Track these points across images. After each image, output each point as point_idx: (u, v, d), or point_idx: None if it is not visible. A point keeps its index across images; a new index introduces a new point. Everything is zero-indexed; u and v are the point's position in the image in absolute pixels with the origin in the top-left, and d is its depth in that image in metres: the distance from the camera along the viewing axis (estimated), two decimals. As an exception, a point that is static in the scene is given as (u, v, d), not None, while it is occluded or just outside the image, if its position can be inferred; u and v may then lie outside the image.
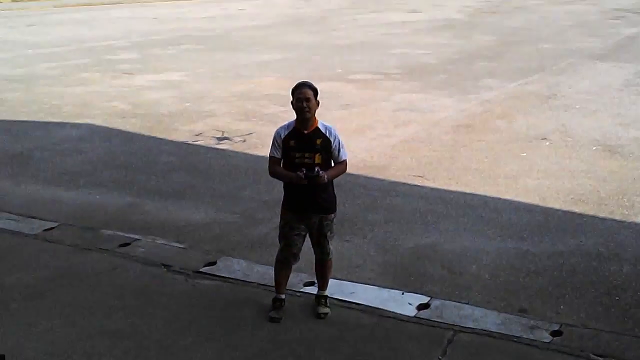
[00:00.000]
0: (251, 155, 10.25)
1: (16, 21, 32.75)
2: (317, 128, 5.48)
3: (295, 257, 5.69)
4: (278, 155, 5.52)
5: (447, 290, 6.12)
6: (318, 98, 5.52)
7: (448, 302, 5.90)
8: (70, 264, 6.66)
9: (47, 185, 9.07)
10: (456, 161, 10.01)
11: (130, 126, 12.08)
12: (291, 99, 5.50)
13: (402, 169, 9.67)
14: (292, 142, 5.46)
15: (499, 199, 8.45)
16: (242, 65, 18.98)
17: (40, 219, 7.86)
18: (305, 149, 5.42)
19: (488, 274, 6.43)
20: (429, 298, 5.94)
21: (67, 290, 6.11)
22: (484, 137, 11.27)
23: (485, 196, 8.56)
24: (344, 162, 5.61)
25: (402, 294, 6.03)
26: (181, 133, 11.58)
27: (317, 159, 5.41)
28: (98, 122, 12.40)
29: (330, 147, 5.48)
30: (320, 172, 5.32)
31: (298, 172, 5.31)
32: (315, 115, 5.53)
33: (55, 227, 7.62)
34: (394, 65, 18.85)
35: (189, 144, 10.98)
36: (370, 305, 5.82)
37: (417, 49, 22.04)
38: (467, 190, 8.77)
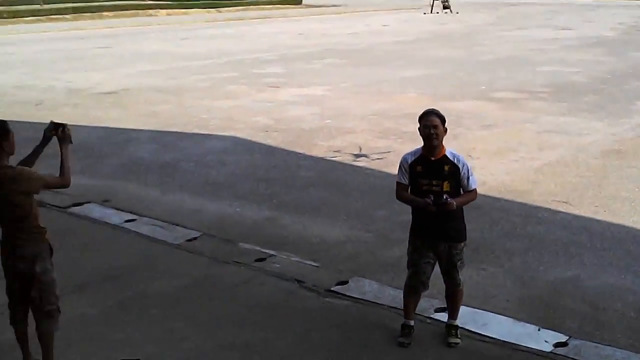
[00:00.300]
0: (388, 174, 10.19)
1: (170, 35, 34.40)
2: (445, 155, 5.38)
3: (424, 284, 5.60)
4: (405, 181, 5.47)
5: (587, 328, 5.82)
6: (446, 125, 5.41)
7: (588, 342, 5.60)
8: (208, 275, 6.88)
9: (191, 195, 9.43)
10: (604, 188, 9.56)
11: (272, 140, 12.36)
12: (418, 125, 5.41)
13: (545, 194, 9.34)
14: (419, 168, 5.39)
15: (649, 231, 8.00)
16: (384, 81, 19.03)
17: (184, 227, 8.17)
18: (432, 176, 5.35)
19: (634, 313, 6.07)
20: (567, 337, 5.66)
21: (203, 300, 6.31)
22: (635, 163, 10.71)
23: (634, 228, 8.11)
24: (474, 191, 5.48)
25: (539, 329, 5.79)
26: (320, 149, 11.73)
27: (446, 186, 5.32)
28: (241, 135, 12.77)
29: (459, 174, 5.37)
30: (449, 199, 5.21)
31: (426, 199, 5.23)
32: (443, 142, 5.41)
33: (198, 237, 7.89)
34: (540, 83, 18.31)
35: (327, 159, 11.11)
36: (503, 339, 5.64)
37: (566, 66, 21.33)
38: (615, 221, 8.35)
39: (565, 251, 7.48)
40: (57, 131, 4.93)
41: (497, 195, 9.26)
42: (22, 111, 15.28)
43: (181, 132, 13.05)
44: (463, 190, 5.44)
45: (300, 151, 11.66)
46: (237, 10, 57.74)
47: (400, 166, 5.52)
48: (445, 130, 5.42)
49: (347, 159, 11.07)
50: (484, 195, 9.13)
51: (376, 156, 11.19)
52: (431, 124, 5.30)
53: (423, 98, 16.33)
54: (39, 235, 4.88)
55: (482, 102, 15.80)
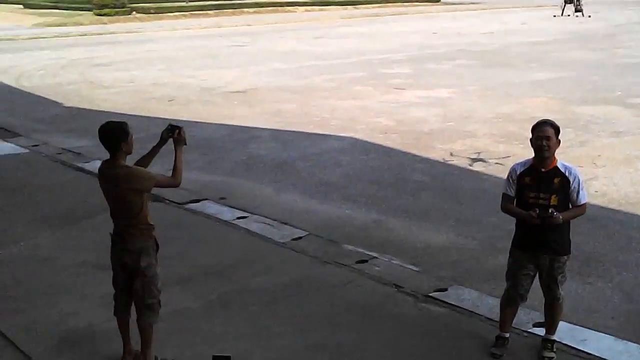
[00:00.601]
0: (504, 180, 10.00)
1: (305, 33, 35.04)
2: (556, 167, 5.23)
3: (522, 297, 5.48)
4: (511, 192, 5.36)
5: (694, 352, 5.51)
6: (559, 137, 5.25)
7: (692, 365, 5.31)
8: (309, 275, 7.01)
9: (303, 195, 9.62)
10: None
11: (390, 142, 12.38)
12: (531, 135, 5.28)
13: (670, 208, 8.87)
14: (527, 180, 5.27)
15: None
16: (514, 84, 18.57)
17: (292, 226, 8.36)
18: (540, 189, 5.21)
19: None
20: (671, 359, 5.39)
21: (301, 300, 6.44)
22: None
23: None
24: (583, 206, 5.28)
25: (641, 348, 5.54)
26: (437, 152, 11.63)
27: (553, 200, 5.17)
28: (360, 136, 12.86)
29: (569, 188, 5.20)
30: (555, 213, 5.07)
31: (531, 212, 5.11)
32: (555, 154, 5.27)
33: (303, 236, 8.05)
34: (683, 90, 17.29)
35: (442, 163, 11.01)
36: (601, 356, 5.42)
37: None
38: None
39: (687, 267, 7.09)
40: (173, 133, 5.17)
41: (617, 208, 8.88)
42: (156, 107, 16.09)
43: (302, 132, 13.31)
44: (572, 204, 5.26)
45: (417, 153, 11.62)
46: (374, 7, 58.07)
47: (508, 177, 5.43)
48: (559, 142, 5.28)
49: (463, 163, 10.92)
50: (602, 208, 8.88)
51: (494, 161, 10.97)
52: (544, 135, 5.18)
53: (552, 102, 15.85)
54: (147, 232, 5.13)
55: (616, 108, 15.12)
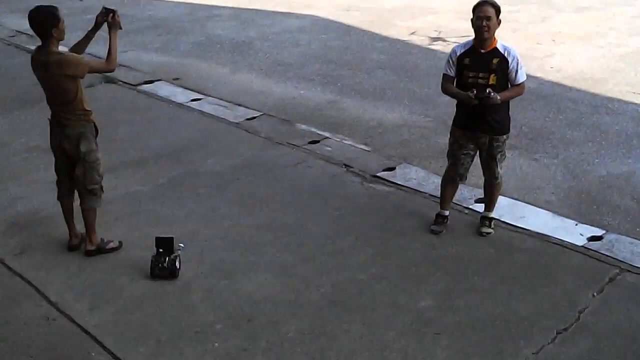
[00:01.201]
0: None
1: None
2: (495, 48, 5.19)
3: (462, 176, 5.57)
4: (451, 73, 5.34)
5: (627, 225, 5.69)
6: (500, 17, 5.18)
7: (624, 237, 5.49)
8: (261, 155, 7.05)
9: (259, 75, 9.54)
10: (689, 78, 9.05)
11: (351, 19, 12.19)
12: (471, 15, 5.21)
13: (621, 84, 8.93)
14: (466, 61, 5.24)
15: None
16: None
17: (246, 107, 8.33)
18: (480, 69, 5.19)
19: (683, 213, 5.88)
20: (603, 231, 5.57)
21: (250, 181, 6.50)
22: None
23: None
24: (521, 85, 5.29)
25: (576, 224, 5.70)
26: (398, 30, 11.50)
27: (492, 79, 5.16)
28: (322, 14, 12.64)
29: (508, 68, 5.18)
30: (492, 93, 5.08)
31: (469, 92, 5.12)
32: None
33: (257, 117, 8.05)
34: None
35: (402, 41, 10.91)
36: (538, 231, 5.58)
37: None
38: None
39: (627, 144, 7.23)
40: (107, 16, 5.01)
41: (570, 84, 8.92)
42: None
43: (262, 10, 13.04)
44: (511, 83, 5.27)
45: (377, 32, 11.48)
46: None
47: (448, 58, 5.38)
48: (499, 22, 5.20)
49: (423, 41, 10.82)
50: (556, 84, 8.93)
51: (454, 39, 10.84)
52: (484, 15, 5.10)
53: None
54: (84, 117, 5.06)
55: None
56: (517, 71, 5.22)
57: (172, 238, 5.00)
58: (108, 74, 7.06)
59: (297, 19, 12.38)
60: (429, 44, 10.69)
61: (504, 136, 5.40)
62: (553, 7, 12.69)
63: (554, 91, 8.68)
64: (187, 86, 9.12)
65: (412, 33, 11.22)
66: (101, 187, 5.23)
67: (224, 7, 13.29)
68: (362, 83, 9.14)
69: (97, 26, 5.09)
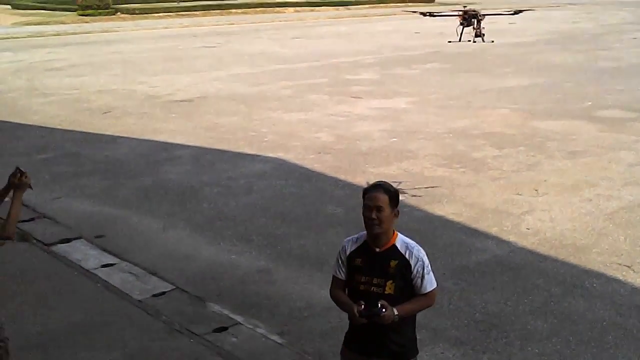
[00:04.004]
0: (423, 213, 8.85)
1: (283, 33, 33.86)
2: (394, 246, 4.00)
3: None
4: (341, 275, 4.13)
5: None
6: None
7: None
8: (148, 349, 5.84)
9: (193, 233, 8.44)
10: (685, 247, 7.73)
11: (319, 164, 11.17)
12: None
13: (606, 253, 7.63)
14: (358, 261, 4.03)
15: None
16: (480, 92, 17.35)
17: (160, 278, 7.19)
18: (374, 273, 3.98)
19: None
20: None
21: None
22: None
23: None
24: (429, 295, 4.04)
25: None
26: (366, 176, 10.39)
27: (389, 288, 3.94)
28: (290, 156, 11.66)
29: (410, 272, 3.97)
30: (385, 308, 3.84)
31: (356, 306, 3.89)
32: (394, 229, 4.04)
33: (167, 292, 6.89)
34: (658, 99, 16.00)
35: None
36: None
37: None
38: (683, 298, 6.58)
39: (601, 339, 5.87)
40: (15, 177, 4.47)
41: (547, 252, 7.65)
42: (86, 120, 14.93)
43: (227, 151, 12.11)
44: (416, 292, 4.03)
45: (343, 178, 10.41)
46: (366, 8, 56.73)
47: (337, 255, 4.17)
48: (397, 214, 4.02)
49: (386, 193, 9.66)
50: (529, 251, 7.69)
51: (420, 192, 9.69)
52: (374, 205, 3.93)
53: (513, 115, 14.64)
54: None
55: (580, 122, 13.85)
56: (422, 277, 3.99)
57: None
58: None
59: (260, 162, 11.40)
60: (392, 197, 9.52)
61: (409, 362, 4.13)
62: (544, 152, 11.58)
63: (526, 261, 7.42)
64: (107, 247, 8.03)
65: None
66: (7, 351, 4.60)
67: (188, 147, 12.41)
68: (306, 246, 7.97)
69: (9, 186, 4.51)
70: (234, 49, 27.88)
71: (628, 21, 37.15)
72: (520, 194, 9.50)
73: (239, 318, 6.34)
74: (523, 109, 15.18)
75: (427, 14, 35.72)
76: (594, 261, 7.43)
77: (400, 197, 9.15)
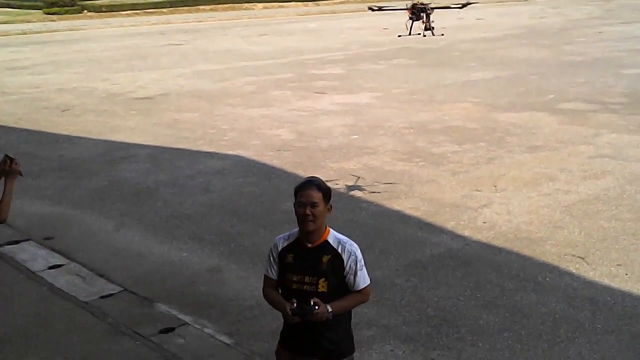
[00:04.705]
0: (380, 208, 8.77)
1: (251, 30, 33.65)
2: (326, 242, 3.90)
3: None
4: (273, 274, 4.02)
5: None
6: (331, 202, 3.93)
7: None
8: (93, 352, 5.68)
9: (145, 232, 8.28)
10: (639, 238, 7.71)
11: (278, 161, 11.05)
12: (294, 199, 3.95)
13: (561, 245, 7.59)
14: (289, 258, 3.94)
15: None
16: (444, 86, 17.33)
17: (108, 280, 7.02)
18: (306, 270, 3.88)
19: None
20: None
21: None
22: (695, 204, 8.74)
23: (660, 305, 6.31)
24: (364, 291, 3.96)
25: None
26: (325, 173, 10.27)
27: (322, 285, 3.84)
28: (249, 154, 11.52)
29: (342, 268, 3.88)
30: (318, 306, 3.74)
31: (289, 305, 3.79)
32: (326, 224, 3.95)
33: (115, 294, 6.73)
34: (619, 91, 16.07)
35: (323, 189, 9.66)
36: None
37: (660, 69, 18.87)
38: (635, 289, 6.55)
39: (553, 334, 5.81)
40: (4, 164, 4.64)
41: (501, 245, 7.60)
42: (43, 118, 14.68)
43: (186, 150, 11.93)
44: (349, 289, 3.94)
45: (302, 174, 10.24)
46: (335, 4, 56.55)
47: (269, 253, 4.07)
48: (330, 208, 3.94)
49: (342, 188, 9.59)
50: (484, 245, 7.63)
51: (378, 188, 9.60)
52: (308, 201, 3.84)
53: (475, 108, 14.62)
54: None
55: (542, 114, 13.86)
56: (355, 273, 3.90)
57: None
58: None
59: (219, 159, 11.25)
60: (347, 192, 9.44)
61: (345, 360, 4.03)
62: (503, 146, 11.55)
63: (480, 255, 7.36)
64: (57, 247, 7.85)
65: (335, 178, 9.95)
66: None
67: (145, 146, 12.22)
68: (259, 244, 7.82)
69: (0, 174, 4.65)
70: (201, 46, 27.65)
71: (594, 16, 37.36)
72: (478, 190, 9.44)
73: (187, 318, 6.21)
74: (485, 102, 15.17)
75: (376, 8, 35.58)
76: (549, 253, 7.39)
77: (359, 193, 9.24)
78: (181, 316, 6.26)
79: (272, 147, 11.95)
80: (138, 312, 6.37)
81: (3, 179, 4.59)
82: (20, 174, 4.67)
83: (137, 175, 10.50)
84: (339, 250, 3.88)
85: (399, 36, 27.47)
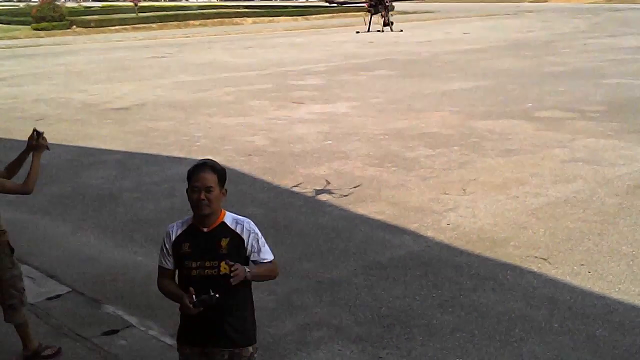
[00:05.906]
0: (345, 212, 8.60)
1: (236, 44, 33.61)
2: (223, 223, 3.78)
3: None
4: (168, 265, 3.85)
5: None
6: (226, 185, 3.77)
7: None
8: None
9: (102, 236, 8.11)
10: (604, 239, 7.55)
11: (248, 166, 10.90)
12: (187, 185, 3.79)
13: (524, 246, 7.44)
14: (186, 247, 3.77)
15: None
16: (423, 96, 17.23)
17: (58, 281, 6.84)
18: (205, 256, 3.72)
19: None
20: None
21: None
22: (662, 205, 8.60)
23: (616, 301, 6.14)
24: (271, 264, 3.88)
25: None
26: (294, 178, 10.17)
27: (224, 268, 3.67)
28: (219, 159, 11.11)
29: (244, 248, 3.75)
30: (216, 295, 3.58)
31: (185, 296, 3.62)
32: (222, 208, 3.82)
33: (63, 294, 6.56)
34: (598, 100, 15.97)
35: (289, 192, 9.53)
36: None
37: (638, 79, 18.79)
38: (595, 288, 6.40)
39: (506, 335, 5.63)
40: (33, 139, 4.93)
41: (463, 246, 7.44)
42: (16, 127, 14.44)
43: (157, 155, 11.78)
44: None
45: (269, 180, 10.15)
46: (324, 18, 56.71)
47: (162, 243, 3.89)
48: (225, 192, 3.84)
49: (309, 193, 9.43)
50: (445, 246, 7.48)
51: (345, 192, 9.45)
52: (202, 186, 3.72)
53: (453, 116, 14.50)
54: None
55: (519, 122, 13.75)
56: (259, 250, 3.81)
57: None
58: None
59: (188, 165, 10.91)
60: (314, 196, 9.28)
61: (250, 348, 3.89)
62: (477, 150, 11.42)
63: (441, 256, 7.20)
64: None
65: (298, 185, 9.79)
66: (21, 301, 5.20)
67: (116, 152, 12.06)
68: (218, 246, 7.64)
69: (28, 148, 4.99)
70: (184, 58, 27.59)
71: (581, 29, 37.48)
72: (447, 194, 9.29)
73: (133, 320, 6.03)
74: (463, 111, 15.06)
75: (335, 4, 35.72)
76: (511, 254, 7.23)
77: (325, 197, 9.09)
78: (128, 318, 6.08)
79: (244, 152, 11.81)
80: (84, 313, 6.19)
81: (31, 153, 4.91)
82: (48, 148, 4.95)
83: (102, 182, 10.33)
84: (238, 231, 3.77)
85: (357, 32, 27.28)
